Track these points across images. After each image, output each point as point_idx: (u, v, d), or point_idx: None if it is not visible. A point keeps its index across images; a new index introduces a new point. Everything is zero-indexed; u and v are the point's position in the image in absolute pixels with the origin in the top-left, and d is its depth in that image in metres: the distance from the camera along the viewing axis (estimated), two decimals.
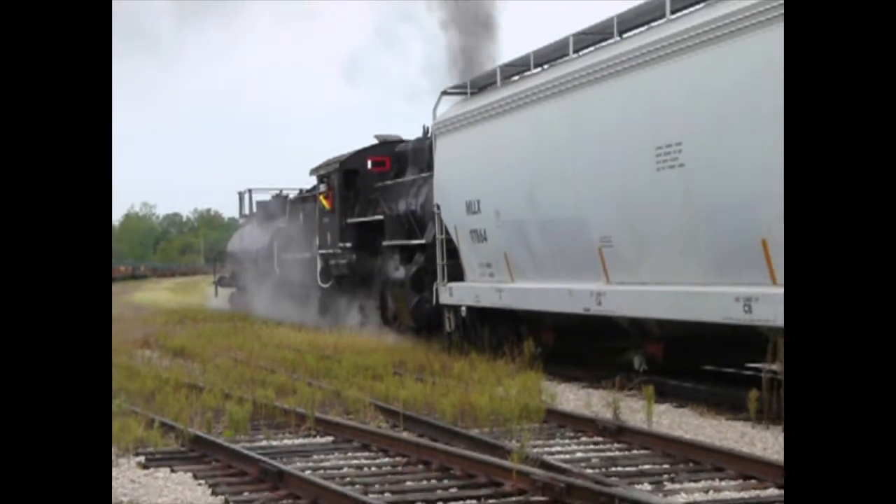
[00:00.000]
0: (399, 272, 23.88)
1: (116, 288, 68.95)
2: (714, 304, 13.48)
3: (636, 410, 13.04)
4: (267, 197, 40.55)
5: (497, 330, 20.37)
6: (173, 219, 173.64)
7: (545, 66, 18.88)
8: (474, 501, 9.38)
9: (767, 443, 11.67)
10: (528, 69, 19.08)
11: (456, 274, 21.36)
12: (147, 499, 9.57)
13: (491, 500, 9.36)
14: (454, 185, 21.10)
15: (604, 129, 15.90)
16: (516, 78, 19.82)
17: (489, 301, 19.90)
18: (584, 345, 19.65)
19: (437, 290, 21.94)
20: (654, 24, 15.36)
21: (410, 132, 28.01)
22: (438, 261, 21.64)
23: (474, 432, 12.12)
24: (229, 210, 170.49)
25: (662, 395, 14.41)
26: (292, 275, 32.45)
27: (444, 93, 22.16)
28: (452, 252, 21.60)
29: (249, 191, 41.30)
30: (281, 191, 39.60)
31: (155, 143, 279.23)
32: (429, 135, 24.47)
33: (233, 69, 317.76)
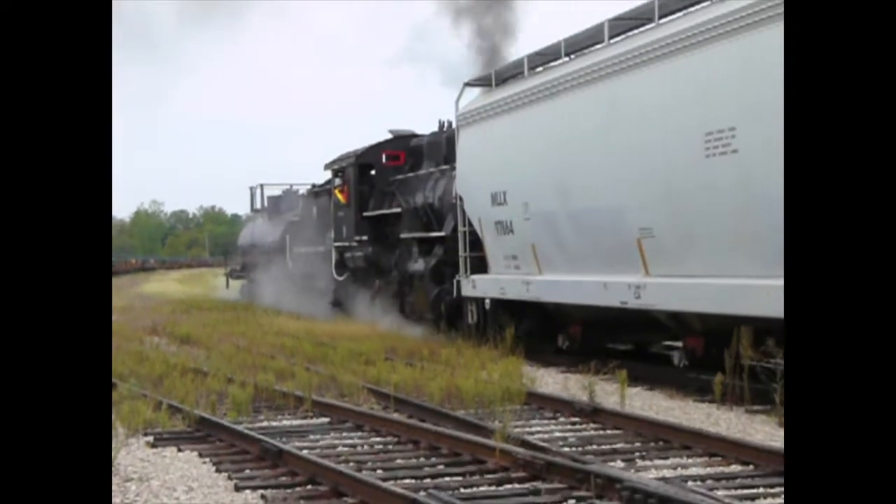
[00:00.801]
0: (418, 264, 23.23)
1: (127, 279, 69.47)
2: (771, 298, 12.00)
3: (610, 393, 13.40)
4: (277, 192, 39.71)
5: (522, 323, 19.46)
6: (180, 215, 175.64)
7: (573, 56, 17.87)
8: (460, 478, 9.84)
9: (731, 423, 12.24)
10: (558, 58, 18.22)
11: (478, 266, 20.61)
12: (155, 476, 9.85)
13: (475, 477, 9.82)
14: (478, 177, 20.31)
15: (645, 117, 14.80)
16: (541, 68, 18.92)
17: (515, 293, 19.07)
18: (613, 338, 19.23)
19: (458, 282, 21.15)
20: (698, 5, 14.55)
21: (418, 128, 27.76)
22: (461, 253, 20.85)
23: (460, 413, 12.61)
24: (233, 206, 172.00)
25: (635, 379, 14.47)
26: (306, 267, 31.00)
27: (468, 84, 21.31)
28: (474, 244, 20.88)
29: (261, 185, 40.37)
30: (291, 185, 38.90)
31: (162, 144, 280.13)
32: (444, 129, 24.64)
33: (234, 69, 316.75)
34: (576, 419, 12.68)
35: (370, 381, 15.54)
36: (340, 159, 28.10)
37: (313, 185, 33.87)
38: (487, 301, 20.14)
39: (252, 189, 40.76)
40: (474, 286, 20.47)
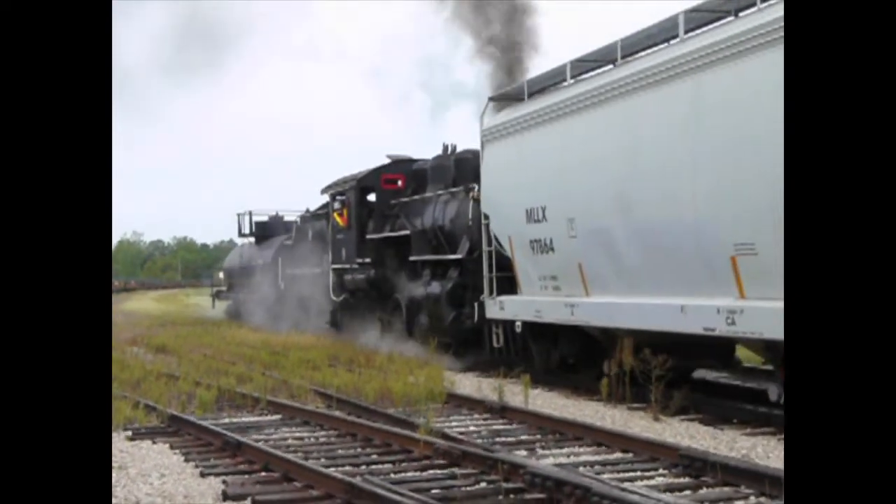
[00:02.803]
0: (432, 287, 19.34)
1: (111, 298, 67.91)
2: None
3: (516, 394, 13.46)
4: (264, 218, 37.27)
5: (557, 347, 15.68)
6: (157, 244, 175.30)
7: (628, 58, 13.67)
8: (390, 465, 9.86)
9: (615, 418, 12.45)
10: (612, 61, 13.95)
11: (503, 287, 16.65)
12: (133, 465, 9.82)
13: (403, 464, 9.84)
14: (510, 193, 16.09)
15: (742, 113, 10.75)
16: (592, 74, 14.63)
17: (555, 316, 14.85)
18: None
19: (478, 304, 17.33)
20: None
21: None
22: (486, 273, 16.81)
23: (391, 411, 12.69)
24: (202, 237, 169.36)
25: (536, 382, 14.50)
26: (299, 289, 28.26)
27: (492, 99, 17.31)
28: (497, 265, 16.94)
29: (249, 213, 37.56)
30: (276, 213, 36.87)
31: (142, 182, 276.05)
32: (449, 152, 21.14)
33: (210, 126, 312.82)
34: (487, 415, 12.69)
35: (316, 384, 15.48)
36: (341, 182, 24.51)
37: (307, 210, 31.41)
38: (518, 324, 15.84)
39: (240, 216, 38.09)
40: (502, 308, 16.34)
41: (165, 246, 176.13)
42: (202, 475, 9.29)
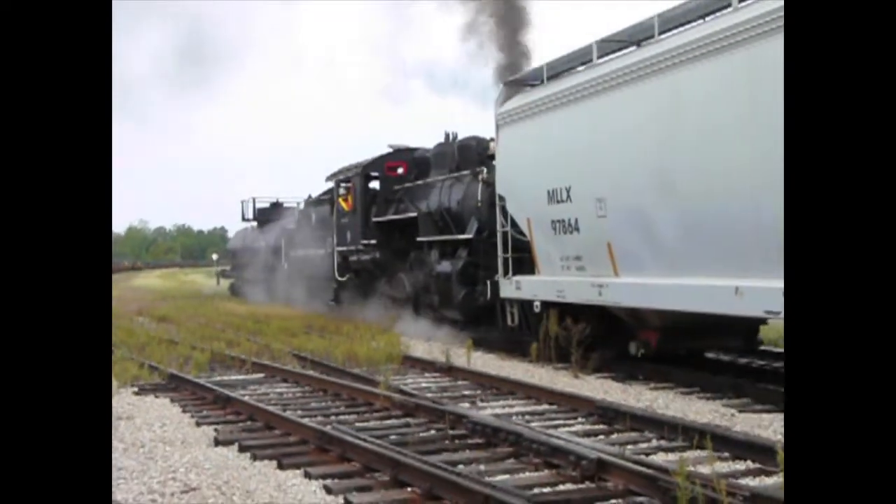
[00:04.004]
0: (442, 266, 16.95)
1: (121, 276, 67.96)
2: None
3: (460, 355, 13.24)
4: (265, 205, 35.22)
5: (576, 326, 12.75)
6: (159, 230, 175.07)
7: (664, 34, 11.12)
8: (355, 415, 9.81)
9: (542, 376, 12.46)
10: (639, 41, 11.63)
11: (515, 267, 14.24)
12: (139, 415, 9.69)
13: (366, 415, 9.83)
14: (528, 175, 13.47)
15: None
16: (624, 51, 11.95)
17: (580, 297, 12.35)
18: (694, 344, 12.59)
19: (490, 283, 15.09)
20: None
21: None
22: (500, 254, 14.36)
23: (356, 370, 12.53)
24: (198, 223, 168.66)
25: (478, 344, 14.39)
26: (303, 269, 26.12)
27: (506, 84, 14.65)
28: (507, 245, 14.51)
29: (253, 199, 35.54)
30: (277, 200, 34.94)
31: (147, 177, 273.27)
32: (451, 139, 18.77)
33: (205, 128, 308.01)
34: (436, 374, 12.63)
35: (293, 348, 15.32)
36: (346, 170, 22.21)
37: (309, 196, 28.96)
38: (537, 304, 13.41)
39: (243, 202, 35.85)
40: (518, 287, 13.88)
41: (167, 232, 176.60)
42: (197, 424, 9.21)
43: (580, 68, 12.86)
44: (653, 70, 10.70)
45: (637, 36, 11.77)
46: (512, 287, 14.12)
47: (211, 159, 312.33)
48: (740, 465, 7.11)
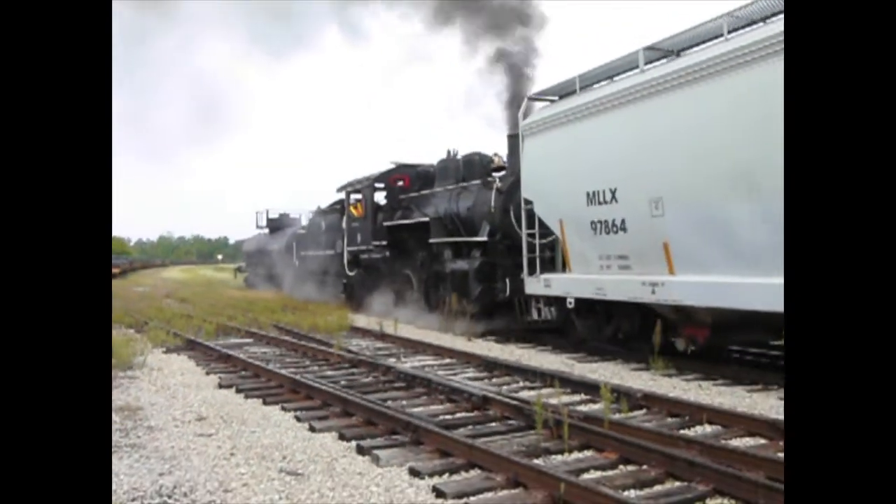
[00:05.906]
0: (459, 265, 13.97)
1: (153, 271, 66.43)
2: None
3: (389, 326, 13.46)
4: (275, 216, 32.52)
5: (609, 322, 10.25)
6: (181, 239, 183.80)
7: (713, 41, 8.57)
8: (317, 367, 9.66)
9: (446, 340, 12.41)
10: (681, 50, 8.99)
11: (534, 267, 11.36)
12: (167, 367, 9.77)
13: (325, 367, 9.71)
14: (561, 180, 10.32)
15: None
16: (668, 59, 8.99)
17: (626, 295, 9.26)
18: (743, 338, 9.82)
19: (509, 279, 12.80)
20: None
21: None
22: (525, 253, 11.32)
23: (318, 336, 12.57)
24: (209, 233, 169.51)
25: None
26: (313, 267, 23.47)
27: (531, 98, 11.49)
28: (517, 247, 12.07)
29: (266, 210, 32.66)
30: (285, 212, 32.37)
31: (171, 200, 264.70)
32: (452, 155, 16.00)
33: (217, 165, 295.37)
34: (373, 339, 12.67)
35: (274, 321, 15.30)
36: (357, 182, 19.31)
37: (318, 207, 25.51)
38: (570, 301, 10.40)
39: (257, 213, 33.09)
40: (548, 285, 10.85)
41: (186, 240, 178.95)
42: (206, 374, 9.20)
43: (623, 75, 9.72)
44: (731, 65, 7.60)
45: (681, 45, 8.96)
46: (540, 285, 11.05)
47: (215, 193, 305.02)
48: (577, 398, 7.31)
